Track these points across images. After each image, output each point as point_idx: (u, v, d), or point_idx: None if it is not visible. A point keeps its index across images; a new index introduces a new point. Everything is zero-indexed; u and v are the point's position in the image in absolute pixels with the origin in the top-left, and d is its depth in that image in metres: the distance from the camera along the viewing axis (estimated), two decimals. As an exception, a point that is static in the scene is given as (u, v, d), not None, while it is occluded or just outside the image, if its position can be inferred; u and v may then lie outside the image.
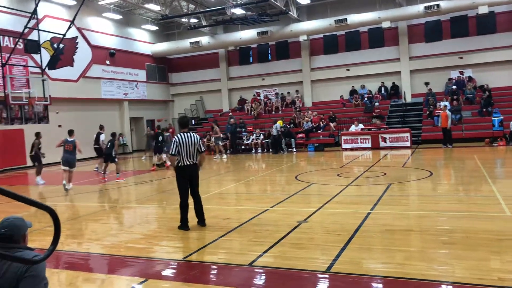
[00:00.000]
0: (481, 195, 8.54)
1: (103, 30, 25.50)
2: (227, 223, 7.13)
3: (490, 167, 12.58)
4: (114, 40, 26.29)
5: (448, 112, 18.73)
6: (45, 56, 20.27)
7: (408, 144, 19.39)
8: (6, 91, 17.57)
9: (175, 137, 6.94)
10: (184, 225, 6.91)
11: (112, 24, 26.19)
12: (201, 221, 7.04)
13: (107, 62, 25.73)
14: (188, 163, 6.87)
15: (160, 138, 17.15)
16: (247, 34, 26.56)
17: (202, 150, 7.09)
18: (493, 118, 19.84)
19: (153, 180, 13.75)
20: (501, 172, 12.49)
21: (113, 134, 15.21)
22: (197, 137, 7.05)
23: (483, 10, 21.43)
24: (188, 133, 6.96)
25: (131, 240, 6.60)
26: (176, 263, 5.43)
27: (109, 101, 25.87)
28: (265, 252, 5.46)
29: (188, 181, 6.98)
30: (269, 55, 28.73)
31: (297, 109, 25.37)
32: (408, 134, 19.55)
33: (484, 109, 20.88)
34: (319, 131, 23.11)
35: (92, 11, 24.43)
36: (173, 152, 6.82)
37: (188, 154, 6.85)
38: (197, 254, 5.59)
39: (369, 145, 20.02)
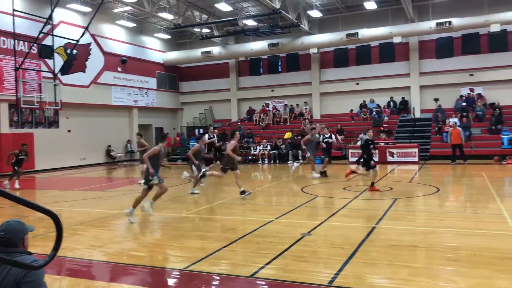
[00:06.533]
0: (488, 213, 8.44)
1: (116, 37, 25.84)
2: (231, 233, 7.11)
3: (498, 185, 12.42)
4: (126, 47, 26.61)
5: (460, 129, 18.63)
6: (58, 62, 20.62)
7: (416, 159, 19.27)
8: (18, 94, 17.84)
9: None
10: None
11: (125, 32, 26.54)
12: None
13: (119, 69, 26.02)
14: None
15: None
16: (258, 45, 26.74)
17: None
18: (502, 136, 19.69)
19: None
20: (509, 190, 12.35)
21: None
22: None
23: (495, 28, 21.36)
24: None
25: (134, 248, 6.60)
26: (177, 273, 5.41)
27: (119, 107, 26.10)
28: (267, 264, 5.43)
29: None
30: (279, 66, 28.86)
31: (307, 120, 25.38)
32: (416, 150, 19.44)
33: (493, 127, 20.72)
34: (327, 144, 23.01)
35: (107, 18, 24.79)
36: None
37: None
38: (199, 264, 5.57)
39: (376, 159, 19.88)
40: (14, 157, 14.47)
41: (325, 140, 15.44)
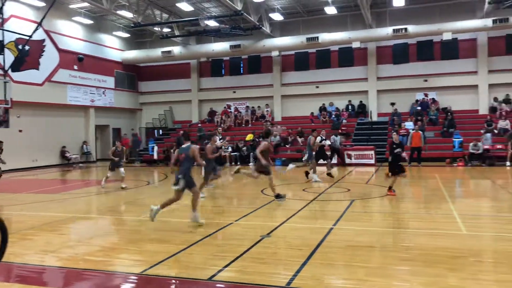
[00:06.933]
0: (441, 213, 8.77)
1: (72, 34, 24.95)
2: (190, 236, 7.01)
3: (449, 187, 12.97)
4: (83, 45, 25.76)
5: (421, 132, 19.40)
6: (9, 57, 19.66)
7: (373, 161, 19.81)
8: (-36, 91, 16.87)
9: None
10: None
11: (82, 29, 25.69)
12: None
13: (75, 67, 25.15)
14: None
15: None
16: (220, 46, 26.64)
17: None
18: (453, 140, 20.61)
19: (115, 191, 13.41)
20: (459, 192, 12.91)
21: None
22: None
23: (447, 36, 22.40)
24: None
25: (89, 252, 6.37)
26: (134, 277, 5.27)
27: (74, 107, 25.21)
28: (226, 266, 5.39)
29: None
30: (241, 68, 28.88)
31: (269, 122, 25.55)
32: (372, 152, 19.99)
33: (445, 129, 21.67)
34: (287, 146, 23.28)
35: (62, 14, 23.91)
36: None
37: None
38: (156, 268, 5.44)
39: (334, 161, 20.27)
40: None
41: (321, 142, 15.57)
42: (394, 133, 11.51)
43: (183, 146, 7.97)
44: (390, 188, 10.90)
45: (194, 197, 7.75)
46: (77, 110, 25.61)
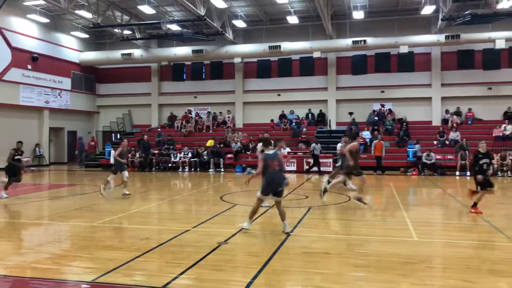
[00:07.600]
0: (394, 221, 9.03)
1: (26, 32, 23.99)
2: (144, 243, 6.85)
3: (403, 195, 13.39)
4: (38, 43, 24.80)
5: (383, 142, 20.01)
6: (-44, 54, 18.62)
7: (331, 169, 20.13)
8: None
9: None
10: None
11: (37, 27, 24.75)
12: None
13: (29, 66, 24.16)
14: None
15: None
16: (182, 51, 26.42)
17: None
18: (408, 149, 21.35)
19: (68, 196, 12.93)
20: (412, 200, 13.36)
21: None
22: None
23: (404, 49, 23.33)
24: None
25: (37, 260, 6.08)
26: (86, 285, 5.07)
27: (27, 108, 24.19)
28: (181, 273, 5.30)
29: None
30: (203, 73, 28.74)
31: (230, 128, 25.52)
32: (331, 160, 20.37)
33: (400, 140, 22.41)
34: (248, 152, 23.32)
35: (16, 10, 22.97)
36: None
37: None
38: (109, 275, 5.27)
39: (294, 168, 20.54)
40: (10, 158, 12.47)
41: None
42: (482, 141, 9.81)
43: (271, 152, 7.66)
44: (475, 205, 9.42)
45: (280, 209, 7.69)
46: (30, 111, 24.58)
